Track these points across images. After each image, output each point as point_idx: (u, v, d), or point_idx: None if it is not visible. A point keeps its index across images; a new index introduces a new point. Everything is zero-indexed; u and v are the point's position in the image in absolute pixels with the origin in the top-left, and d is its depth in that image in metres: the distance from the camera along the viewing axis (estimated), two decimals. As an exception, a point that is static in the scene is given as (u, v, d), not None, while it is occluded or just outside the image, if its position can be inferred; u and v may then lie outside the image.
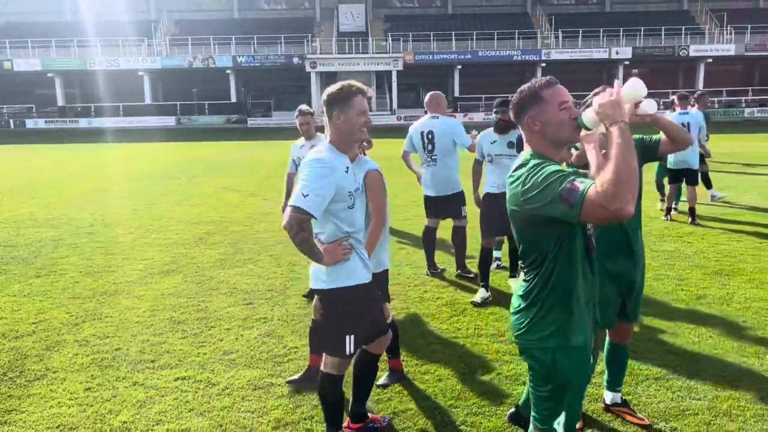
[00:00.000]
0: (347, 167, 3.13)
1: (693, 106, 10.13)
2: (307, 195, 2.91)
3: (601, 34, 48.16)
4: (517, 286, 5.67)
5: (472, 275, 6.46)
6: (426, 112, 6.70)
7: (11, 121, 46.53)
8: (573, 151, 3.30)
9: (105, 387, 4.14)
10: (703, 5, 52.10)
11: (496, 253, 6.71)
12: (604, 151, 2.86)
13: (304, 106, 6.25)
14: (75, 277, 6.68)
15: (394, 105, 47.66)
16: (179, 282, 6.50)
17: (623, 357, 3.67)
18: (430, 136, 6.33)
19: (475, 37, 48.70)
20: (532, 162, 2.23)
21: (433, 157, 6.38)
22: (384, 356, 4.09)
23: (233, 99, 49.17)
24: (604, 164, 2.67)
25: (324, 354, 3.30)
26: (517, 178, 2.25)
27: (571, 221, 2.11)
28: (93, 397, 4.00)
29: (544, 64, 47.80)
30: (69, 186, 14.53)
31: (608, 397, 3.72)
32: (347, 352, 3.20)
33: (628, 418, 3.64)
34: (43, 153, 25.83)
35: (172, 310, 5.63)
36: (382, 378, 4.16)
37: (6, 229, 9.26)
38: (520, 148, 2.69)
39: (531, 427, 2.49)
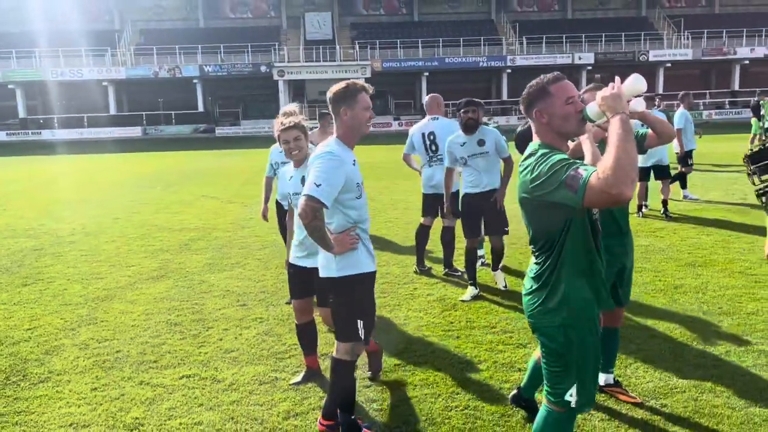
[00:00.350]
0: (354, 160, 3.33)
1: (677, 105, 10.81)
2: (320, 185, 3.11)
3: (564, 40, 49.23)
4: (500, 279, 5.73)
5: (459, 273, 6.64)
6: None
7: (-29, 134, 45.33)
8: (569, 143, 3.51)
9: (111, 387, 4.19)
10: (660, 12, 53.66)
11: (479, 251, 6.88)
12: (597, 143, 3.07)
13: (288, 108, 6.35)
14: (63, 285, 6.67)
15: (363, 112, 47.80)
16: (170, 286, 6.54)
17: (615, 340, 3.88)
18: (432, 137, 6.51)
19: (441, 44, 49.28)
20: (540, 152, 2.42)
21: (438, 158, 6.53)
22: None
23: (200, 108, 48.74)
24: (598, 154, 2.89)
25: (336, 341, 3.44)
26: (526, 167, 2.43)
27: (576, 206, 2.29)
28: (101, 396, 4.06)
29: (509, 70, 48.63)
30: (41, 197, 14.31)
31: (601, 378, 3.92)
32: (360, 335, 3.37)
33: (621, 397, 3.85)
34: (8, 165, 25.27)
35: (167, 313, 5.68)
36: (367, 372, 4.26)
37: (-16, 240, 9.14)
38: (523, 148, 2.87)
39: (544, 401, 2.66)
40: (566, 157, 2.34)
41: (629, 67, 48.03)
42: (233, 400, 3.97)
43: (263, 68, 47.42)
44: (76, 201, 13.40)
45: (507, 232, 6.08)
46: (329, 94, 3.34)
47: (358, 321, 3.37)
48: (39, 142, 43.58)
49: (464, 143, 5.80)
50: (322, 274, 3.43)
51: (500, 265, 6.31)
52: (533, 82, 2.51)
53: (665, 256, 7.19)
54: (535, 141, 2.52)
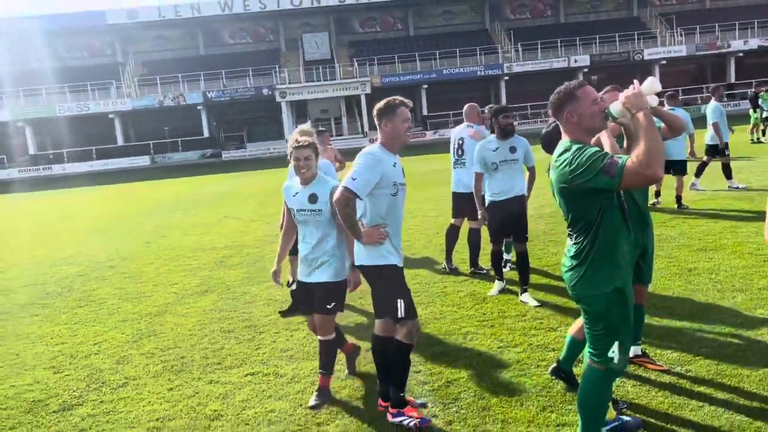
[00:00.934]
0: (395, 162, 3.83)
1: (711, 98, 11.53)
2: (356, 179, 3.66)
3: (559, 44, 49.89)
4: (530, 300, 5.85)
5: (484, 271, 7.05)
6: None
7: (-18, 173, 46.17)
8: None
9: (185, 387, 4.62)
10: (652, 10, 54.34)
11: (506, 255, 7.16)
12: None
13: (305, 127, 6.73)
14: (116, 304, 7.12)
15: (365, 128, 48.51)
16: (216, 300, 6.98)
17: (640, 315, 4.28)
18: (460, 142, 7.01)
19: (438, 57, 50.02)
20: (574, 147, 2.86)
21: (462, 161, 7.01)
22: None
23: (206, 134, 49.53)
24: (616, 146, 3.35)
25: (396, 324, 3.85)
26: (564, 161, 2.87)
27: (613, 189, 2.75)
28: (178, 395, 4.49)
29: (507, 77, 49.33)
30: (67, 228, 14.79)
31: (630, 350, 4.33)
32: (399, 315, 3.78)
33: (650, 366, 4.26)
34: (26, 201, 25.89)
35: (219, 322, 6.12)
36: (311, 399, 4.20)
37: (30, 270, 9.61)
38: (549, 147, 3.30)
39: (588, 361, 3.08)
40: (599, 149, 2.79)
41: (625, 67, 48.69)
42: (298, 390, 4.40)
43: (265, 91, 48.23)
44: (103, 230, 13.89)
45: (527, 239, 6.21)
46: (374, 110, 3.85)
47: (398, 301, 3.78)
48: (50, 177, 44.34)
49: (497, 149, 5.97)
50: (356, 262, 3.91)
51: (527, 284, 6.10)
52: (560, 89, 2.95)
53: (677, 243, 7.60)
54: (565, 139, 2.97)
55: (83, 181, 35.59)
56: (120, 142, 49.15)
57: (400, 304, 3.78)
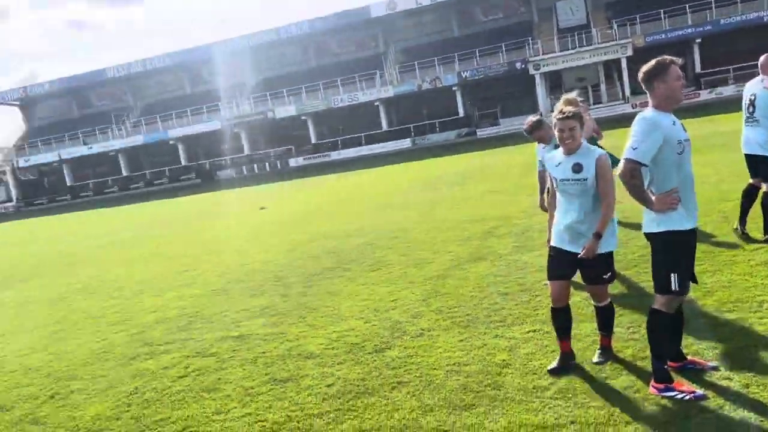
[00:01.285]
0: (674, 121, 3.74)
1: None
2: (636, 148, 3.64)
3: None
4: None
5: (780, 239, 6.42)
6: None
7: (277, 162, 54.01)
8: None
9: (474, 339, 5.17)
10: None
11: None
12: None
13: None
14: (403, 269, 8.07)
15: (627, 93, 45.41)
16: (489, 266, 7.49)
17: None
18: (753, 98, 6.46)
19: (714, 5, 44.42)
20: None
21: (754, 119, 6.44)
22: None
23: (461, 114, 51.11)
24: None
25: (654, 293, 3.85)
26: None
27: None
28: (468, 345, 5.05)
29: (806, 19, 41.83)
30: (353, 205, 16.86)
31: None
32: (672, 288, 3.72)
33: None
34: (314, 184, 29.82)
35: (495, 285, 6.60)
36: (595, 356, 4.43)
37: (329, 240, 11.27)
38: None
39: None
40: None
41: None
42: (579, 348, 4.58)
43: (518, 65, 48.03)
44: (380, 206, 15.52)
45: None
46: (640, 74, 3.81)
47: (672, 275, 3.71)
48: (328, 162, 50.18)
49: None
50: (644, 230, 3.87)
51: None
52: None
53: None
54: None
55: (356, 165, 39.62)
56: (384, 127, 53.27)
57: (674, 278, 3.71)
